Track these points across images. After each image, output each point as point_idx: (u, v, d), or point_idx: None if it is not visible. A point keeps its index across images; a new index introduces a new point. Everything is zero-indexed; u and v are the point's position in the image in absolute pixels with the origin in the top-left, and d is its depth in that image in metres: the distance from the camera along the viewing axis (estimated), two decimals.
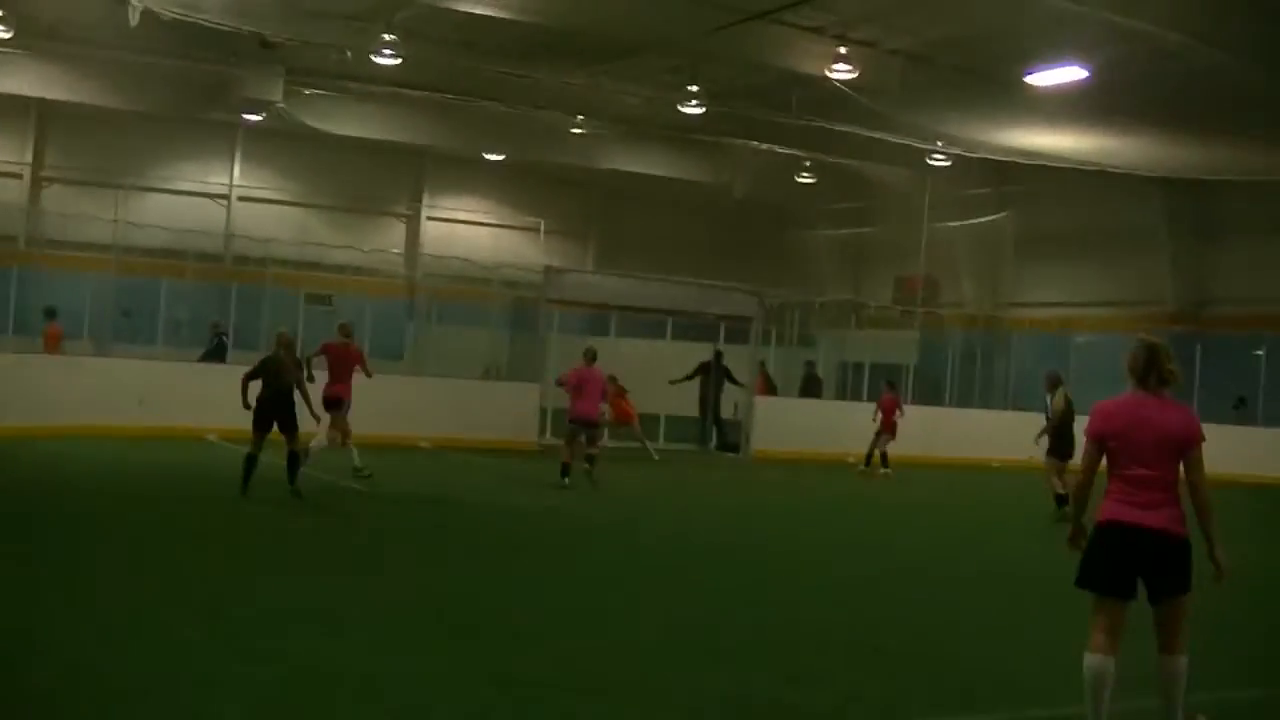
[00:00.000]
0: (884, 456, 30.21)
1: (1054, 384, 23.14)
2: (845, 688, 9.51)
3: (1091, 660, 7.95)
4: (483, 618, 11.21)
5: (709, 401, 33.66)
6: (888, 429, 30.18)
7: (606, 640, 10.75)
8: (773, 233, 46.87)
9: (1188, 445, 8.11)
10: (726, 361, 33.56)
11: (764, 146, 39.69)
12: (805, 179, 44.12)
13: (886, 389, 31.25)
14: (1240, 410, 37.32)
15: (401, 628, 10.56)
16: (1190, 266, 42.80)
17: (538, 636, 10.58)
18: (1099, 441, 8.30)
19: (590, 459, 23.32)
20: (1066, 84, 29.10)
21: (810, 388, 36.42)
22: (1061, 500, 21.70)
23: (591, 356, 23.70)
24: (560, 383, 24.47)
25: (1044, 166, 36.65)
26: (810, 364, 36.21)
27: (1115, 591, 8.04)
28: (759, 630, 11.51)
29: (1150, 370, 8.30)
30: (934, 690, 9.60)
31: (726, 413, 34.12)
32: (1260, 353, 36.75)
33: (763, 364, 35.13)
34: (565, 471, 22.82)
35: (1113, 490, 8.21)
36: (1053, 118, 31.68)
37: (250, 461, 18.11)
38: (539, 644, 10.30)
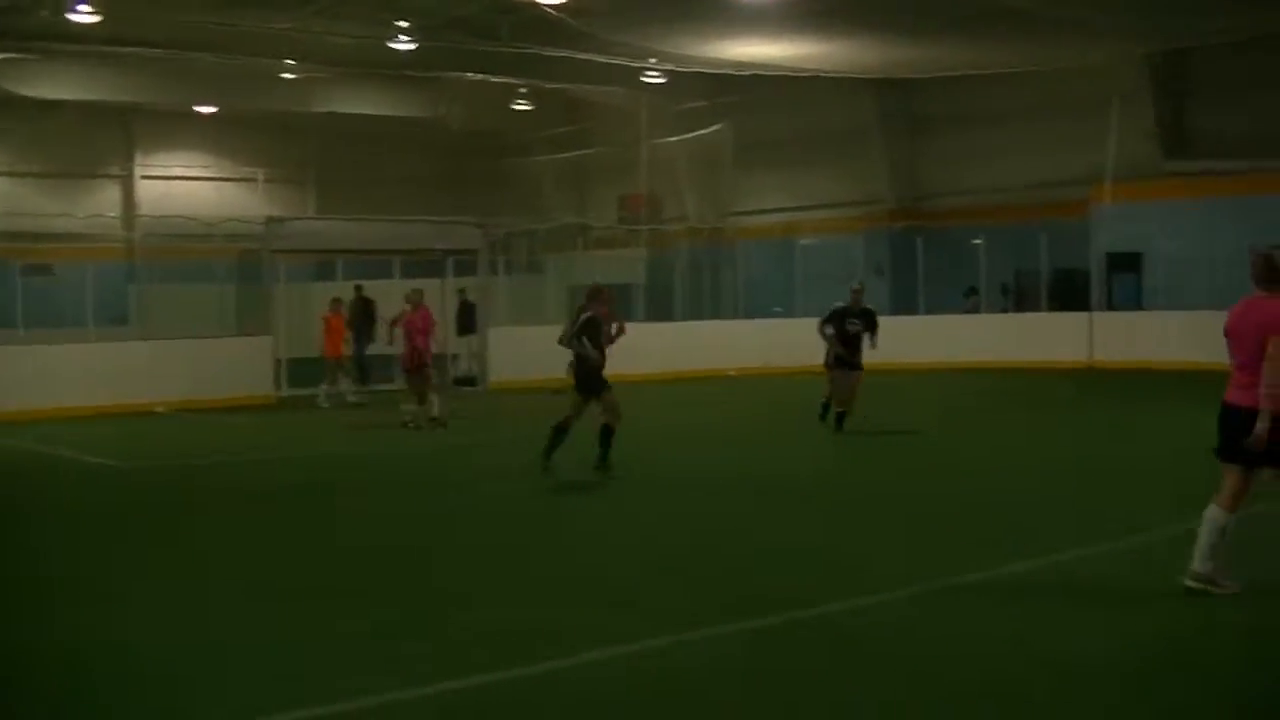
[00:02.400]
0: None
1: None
2: (651, 603, 10.10)
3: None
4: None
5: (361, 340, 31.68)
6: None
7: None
8: (494, 163, 47.54)
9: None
10: (368, 293, 32.55)
11: (478, 77, 40.08)
12: (522, 106, 44.79)
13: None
14: (971, 299, 39.59)
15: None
16: (906, 164, 45.26)
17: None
18: None
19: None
20: None
21: (465, 318, 34.27)
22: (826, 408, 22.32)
23: (418, 298, 24.42)
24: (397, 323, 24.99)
25: (759, 76, 37.96)
26: (462, 292, 34.66)
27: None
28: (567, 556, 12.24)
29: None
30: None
31: (461, 349, 33.96)
32: (979, 242, 38.58)
33: (462, 293, 34.61)
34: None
35: None
36: (764, 27, 32.74)
37: None
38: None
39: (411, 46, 35.35)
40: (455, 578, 11.39)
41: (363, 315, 30.98)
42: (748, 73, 37.57)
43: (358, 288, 32.35)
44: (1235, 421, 9.67)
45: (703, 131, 43.81)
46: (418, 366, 23.67)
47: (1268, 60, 36.80)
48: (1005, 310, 40.59)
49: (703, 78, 40.61)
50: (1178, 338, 34.28)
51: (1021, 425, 23.97)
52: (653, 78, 39.70)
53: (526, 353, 29.90)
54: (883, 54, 35.64)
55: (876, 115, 44.77)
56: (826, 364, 22.16)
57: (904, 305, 40.09)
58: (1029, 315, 38.87)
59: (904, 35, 33.18)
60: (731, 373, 35.55)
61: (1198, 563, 9.79)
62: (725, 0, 30.75)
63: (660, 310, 39.18)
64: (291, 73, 39.96)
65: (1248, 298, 9.84)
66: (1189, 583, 9.80)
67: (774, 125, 44.61)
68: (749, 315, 39.64)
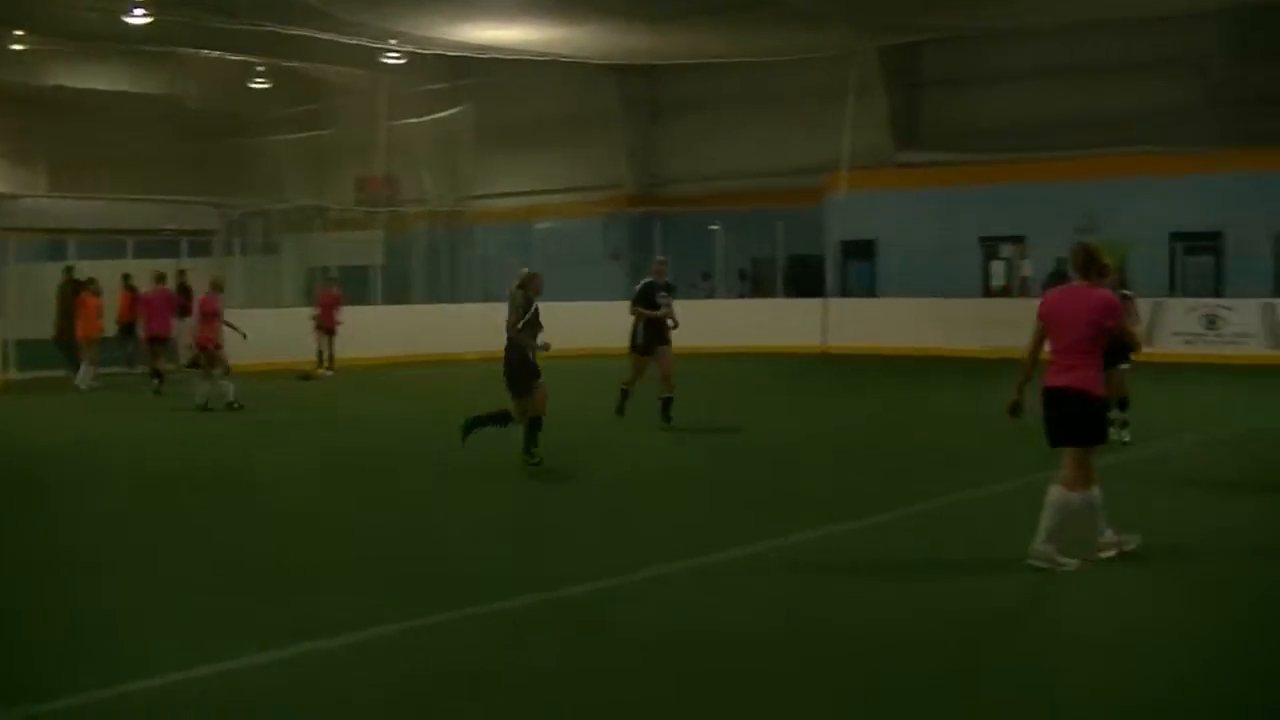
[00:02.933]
0: (330, 357, 30.31)
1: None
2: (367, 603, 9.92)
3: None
4: None
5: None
6: (329, 325, 30.33)
7: None
8: (232, 142, 46.55)
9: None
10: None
11: (215, 54, 39.22)
12: (260, 84, 44.03)
13: (325, 284, 31.77)
14: (706, 284, 40.26)
15: None
16: (646, 149, 46.08)
17: None
18: None
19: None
20: None
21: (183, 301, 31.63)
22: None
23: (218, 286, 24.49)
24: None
25: (499, 59, 38.16)
26: (182, 275, 32.97)
27: None
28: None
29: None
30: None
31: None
32: (716, 228, 39.36)
33: (182, 275, 33.25)
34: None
35: None
36: (504, 10, 32.80)
37: None
38: None
39: (147, 21, 34.48)
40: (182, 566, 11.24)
41: (73, 297, 29.87)
42: (488, 55, 37.66)
43: (67, 269, 31.50)
44: (1061, 403, 10.30)
45: (443, 114, 43.56)
46: (213, 348, 23.74)
47: (994, 55, 38.81)
48: (742, 296, 41.43)
49: (443, 60, 40.70)
50: (909, 323, 35.52)
51: (774, 407, 24.73)
52: (392, 59, 39.51)
53: (264, 335, 29.28)
54: (623, 40, 35.97)
55: (618, 100, 45.49)
56: (635, 347, 20.55)
57: None
58: (765, 301, 39.70)
59: (644, 21, 33.50)
60: (470, 357, 35.39)
61: (1039, 542, 10.24)
62: None
63: (398, 293, 38.94)
64: (21, 43, 38.64)
65: (1066, 286, 10.59)
66: (1030, 560, 10.23)
67: (515, 109, 44.88)
68: (487, 299, 39.45)
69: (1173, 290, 34.20)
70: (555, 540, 12.12)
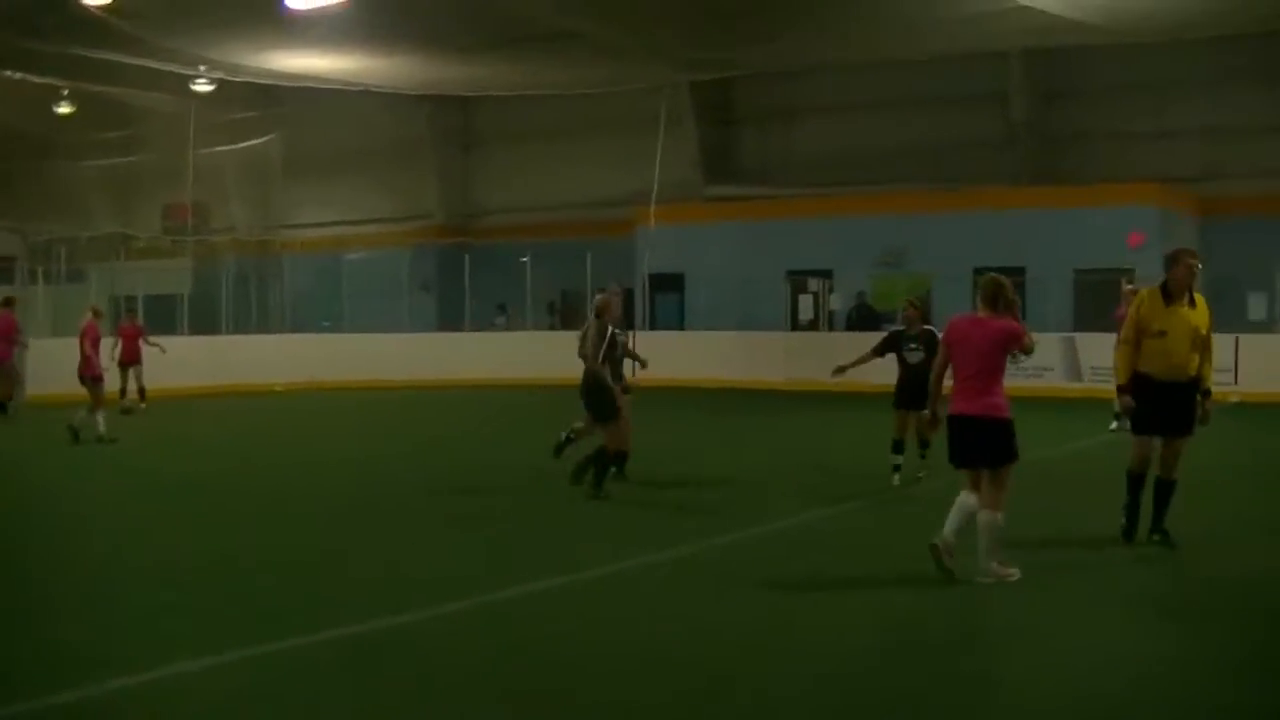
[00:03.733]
0: (139, 389, 29.87)
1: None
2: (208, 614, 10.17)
3: None
4: None
5: None
6: (130, 357, 29.92)
7: None
8: (35, 166, 45.79)
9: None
10: None
11: (18, 76, 38.65)
12: (66, 109, 43.42)
13: (126, 317, 31.25)
14: (502, 318, 40.78)
15: None
16: (458, 180, 46.60)
17: None
18: None
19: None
20: (327, 6, 29.92)
21: None
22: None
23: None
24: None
25: (311, 88, 38.15)
26: None
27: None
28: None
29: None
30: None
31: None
32: (525, 259, 39.35)
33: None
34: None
35: None
36: (315, 39, 32.69)
37: None
38: None
39: None
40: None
41: None
42: (299, 84, 37.64)
43: None
44: (973, 429, 10.84)
45: (252, 142, 43.62)
46: (95, 377, 23.54)
47: (804, 90, 40.03)
48: (552, 328, 41.27)
49: (253, 88, 40.54)
50: (716, 356, 35.73)
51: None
52: (202, 85, 39.34)
53: (69, 365, 28.84)
54: (434, 70, 36.05)
55: (429, 130, 45.82)
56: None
57: (450, 322, 40.72)
58: (574, 333, 38.47)
59: (455, 52, 33.67)
60: (278, 388, 35.42)
61: (983, 562, 10.82)
62: (277, 10, 30.70)
63: (205, 323, 38.57)
64: None
65: (971, 315, 11.11)
66: (981, 579, 10.80)
67: (325, 138, 44.98)
68: (296, 329, 39.84)
69: None
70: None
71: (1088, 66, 37.25)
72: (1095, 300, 32.14)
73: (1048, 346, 31.76)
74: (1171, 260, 12.24)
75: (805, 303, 38.77)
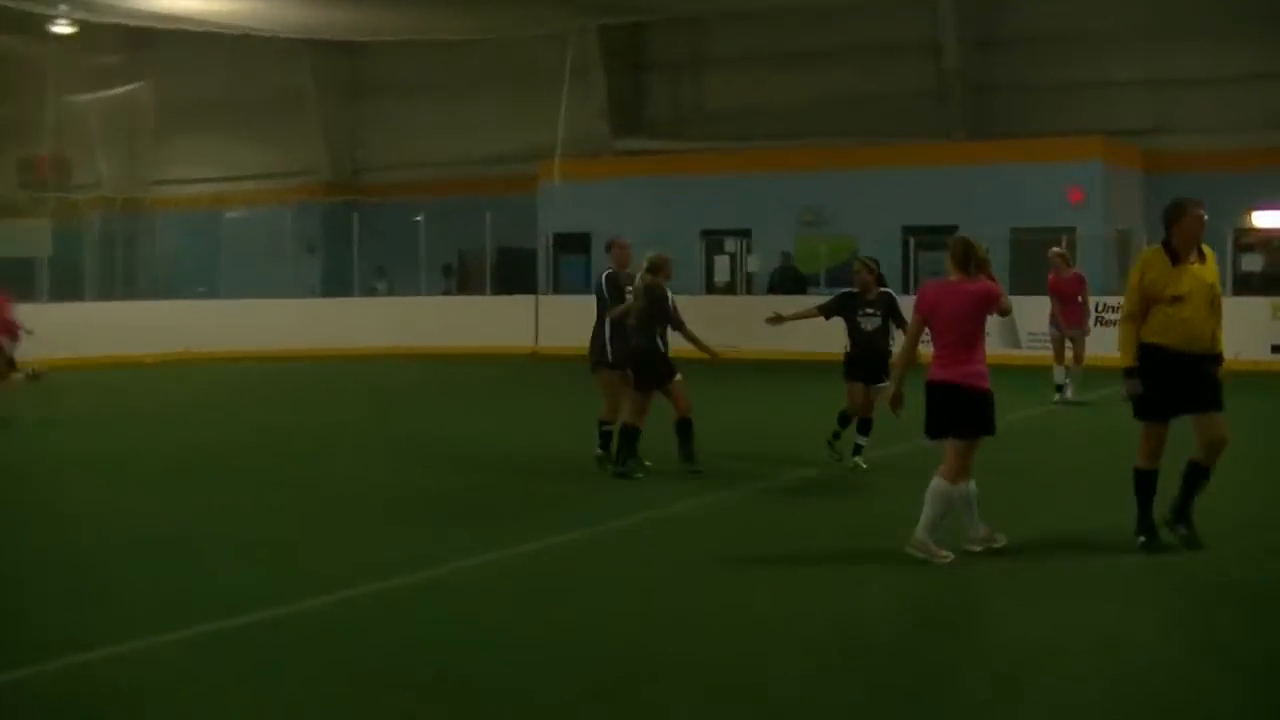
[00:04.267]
0: (12, 361, 28.18)
1: None
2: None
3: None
4: None
5: None
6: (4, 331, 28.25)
7: None
8: None
9: None
10: None
11: None
12: None
13: None
14: (449, 279, 40.16)
15: None
16: (345, 133, 45.05)
17: None
18: None
19: None
20: None
21: None
22: None
23: None
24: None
25: (185, 31, 36.59)
26: None
27: None
28: None
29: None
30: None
31: None
32: (420, 219, 37.74)
33: None
34: None
35: None
36: None
37: None
38: None
39: None
40: None
41: None
42: (170, 27, 36.10)
43: None
44: (946, 397, 10.63)
45: (119, 90, 41.93)
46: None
47: (721, 38, 39.22)
48: (447, 292, 40.41)
49: (121, 30, 39.14)
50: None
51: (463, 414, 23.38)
52: (63, 27, 37.23)
53: None
54: (319, 13, 34.75)
55: (313, 80, 44.16)
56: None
57: (337, 286, 39.33)
58: (473, 298, 38.54)
59: None
60: (148, 360, 32.97)
61: (919, 532, 10.47)
62: None
63: (67, 289, 36.04)
64: None
65: (941, 280, 10.91)
66: (910, 549, 10.48)
67: (201, 87, 43.23)
68: (168, 295, 37.79)
69: (906, 289, 33.72)
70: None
71: (1025, 11, 36.57)
72: (1033, 262, 30.71)
73: None
74: (1175, 212, 10.87)
75: (721, 264, 37.54)
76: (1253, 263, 33.13)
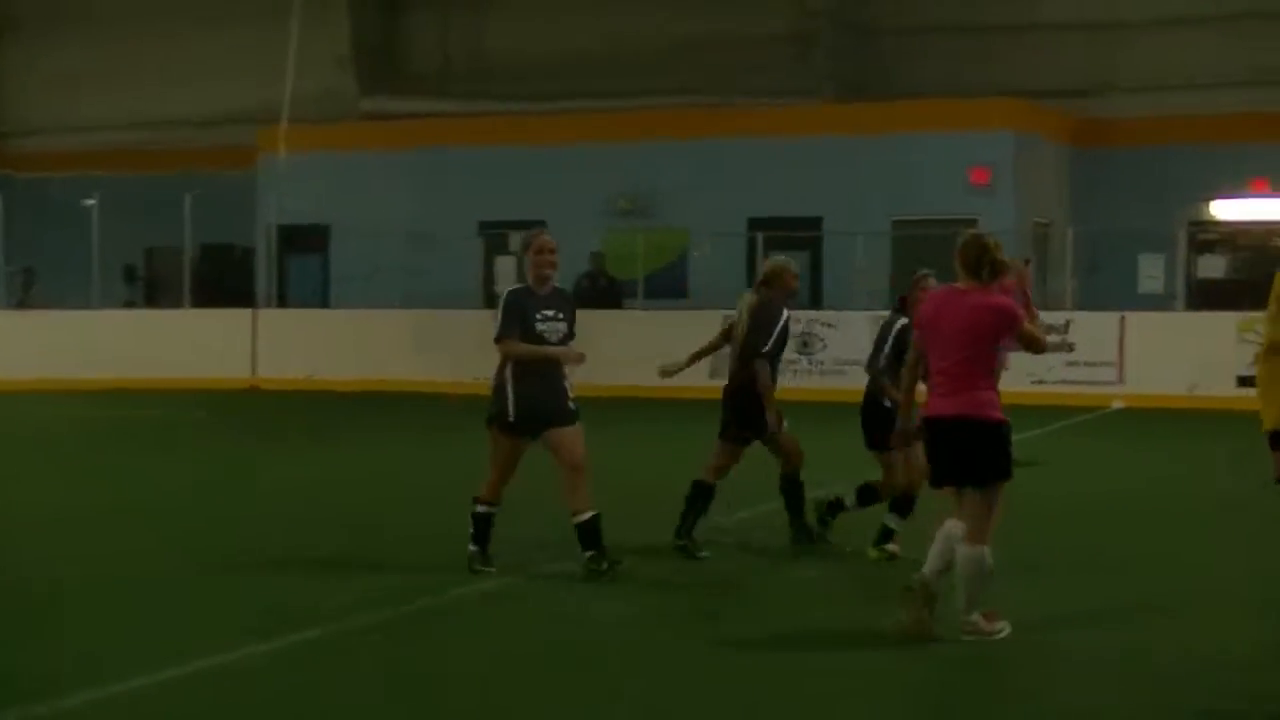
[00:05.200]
0: None
1: None
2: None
3: None
4: None
5: None
6: None
7: None
8: None
9: None
10: None
11: None
12: None
13: None
14: (32, 289, 35.55)
15: None
16: None
17: None
18: None
19: None
20: None
21: None
22: None
23: None
24: None
25: None
26: None
27: None
28: None
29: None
30: None
31: None
32: (92, 202, 33.01)
33: None
34: None
35: None
36: None
37: None
38: None
39: None
40: None
41: None
42: None
43: None
44: (952, 435, 9.53)
45: None
46: None
47: None
48: (130, 304, 36.76)
49: None
50: (378, 345, 31.84)
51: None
52: None
53: None
54: None
55: None
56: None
57: None
58: (167, 312, 34.95)
59: None
60: None
61: (965, 613, 9.32)
62: None
63: None
64: None
65: (947, 288, 9.81)
66: (964, 636, 9.44)
67: None
68: None
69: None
70: None
71: None
72: (921, 264, 26.43)
73: (851, 328, 28.41)
74: None
75: (506, 267, 32.97)
76: (1212, 266, 31.47)
